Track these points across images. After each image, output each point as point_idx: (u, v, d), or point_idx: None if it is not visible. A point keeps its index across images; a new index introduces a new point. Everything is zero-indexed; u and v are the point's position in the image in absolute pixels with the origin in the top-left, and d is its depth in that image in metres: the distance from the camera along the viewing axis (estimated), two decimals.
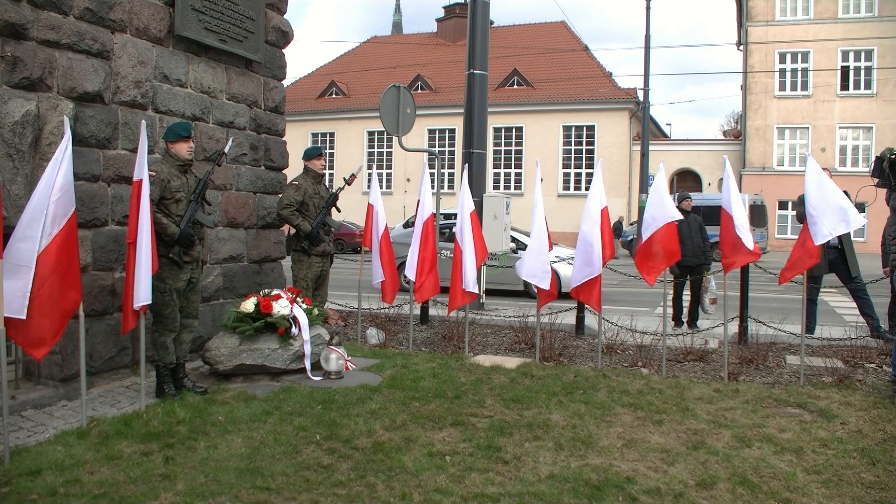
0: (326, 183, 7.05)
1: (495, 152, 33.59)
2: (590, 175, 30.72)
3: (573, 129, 33.08)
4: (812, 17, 30.08)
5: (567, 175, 33.24)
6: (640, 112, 27.60)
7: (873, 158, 6.34)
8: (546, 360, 6.56)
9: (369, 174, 8.55)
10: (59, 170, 3.92)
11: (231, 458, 3.83)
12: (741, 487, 3.59)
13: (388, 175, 35.78)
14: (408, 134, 9.17)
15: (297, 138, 30.94)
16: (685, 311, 8.77)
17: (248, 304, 5.54)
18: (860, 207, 6.87)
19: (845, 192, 7.45)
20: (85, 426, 4.27)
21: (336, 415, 4.65)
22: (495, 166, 33.81)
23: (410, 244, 7.10)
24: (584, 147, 32.88)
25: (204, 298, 6.08)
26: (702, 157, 32.06)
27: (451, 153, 33.25)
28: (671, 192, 6.95)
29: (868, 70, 29.47)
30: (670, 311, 8.58)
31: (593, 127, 32.69)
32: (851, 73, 29.73)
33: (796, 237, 6.03)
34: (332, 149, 36.82)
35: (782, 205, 29.44)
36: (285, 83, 7.50)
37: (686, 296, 8.78)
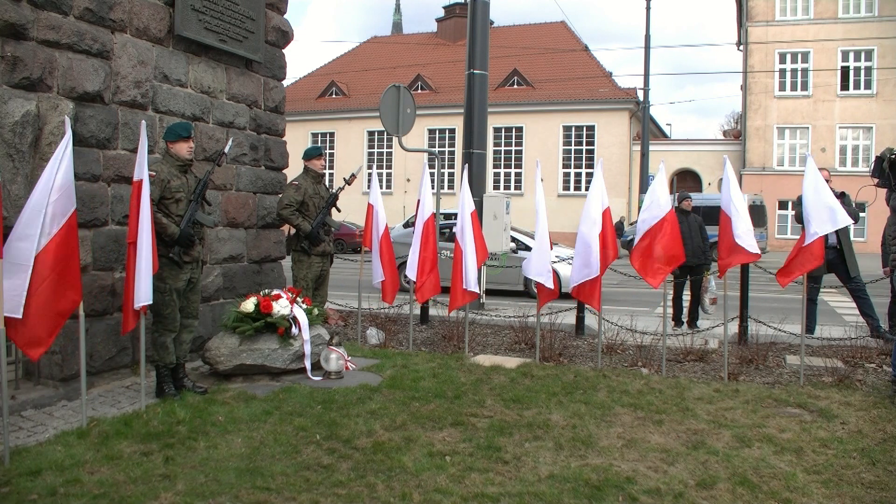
0: (326, 183, 7.05)
1: (495, 152, 33.58)
2: (590, 175, 30.68)
3: (573, 129, 33.07)
4: (812, 17, 30.07)
5: (567, 175, 33.23)
6: (640, 112, 27.64)
7: (873, 158, 6.34)
8: (546, 360, 6.56)
9: (369, 174, 8.55)
10: (58, 169, 3.92)
11: (231, 458, 3.83)
12: (741, 487, 3.59)
13: (388, 175, 35.77)
14: (408, 134, 9.17)
15: (297, 138, 30.93)
16: (685, 311, 8.77)
17: (248, 304, 5.54)
18: (860, 207, 6.87)
19: (843, 193, 7.49)
20: (85, 426, 4.27)
21: (336, 415, 4.65)
22: (495, 166, 33.81)
23: (411, 244, 7.10)
24: (584, 147, 32.87)
25: (204, 298, 6.08)
26: (702, 157, 32.05)
27: (451, 153, 33.25)
28: (671, 193, 6.94)
29: (868, 70, 29.45)
30: (670, 311, 8.58)
31: (593, 127, 32.69)
32: (851, 73, 29.72)
33: (796, 237, 6.03)
34: (332, 149, 36.82)
35: (782, 205, 29.43)
36: (285, 83, 7.50)
37: (686, 296, 8.78)
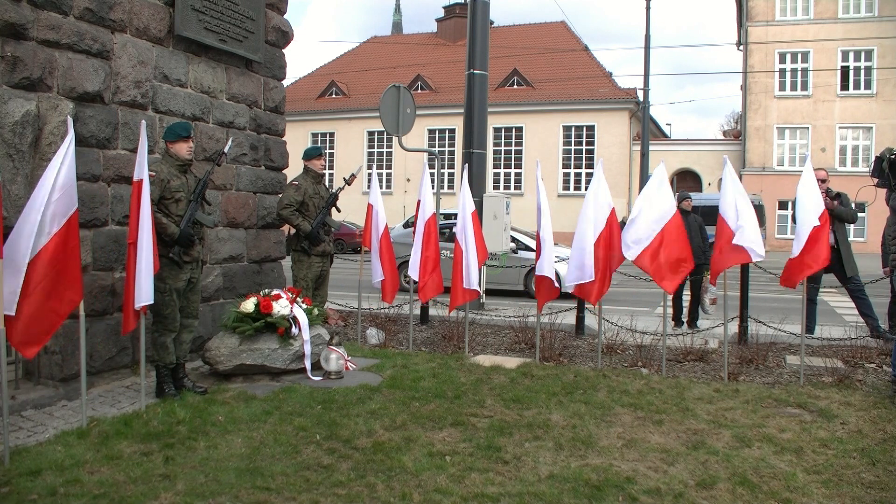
0: (326, 183, 7.05)
1: (495, 152, 33.58)
2: (590, 175, 30.61)
3: (573, 129, 33.07)
4: (812, 17, 30.08)
5: (567, 175, 33.23)
6: (640, 112, 27.64)
7: (873, 158, 6.34)
8: (546, 360, 6.56)
9: (369, 174, 8.55)
10: (60, 169, 3.92)
11: (231, 458, 3.83)
12: (741, 487, 3.59)
13: (388, 175, 35.77)
14: (408, 134, 9.17)
15: (297, 138, 30.94)
16: (685, 311, 8.77)
17: (248, 304, 5.54)
18: (860, 207, 6.89)
19: (839, 194, 7.49)
20: (85, 426, 4.27)
21: (336, 415, 4.65)
22: (495, 166, 33.80)
23: (410, 244, 7.10)
24: (584, 147, 32.87)
25: (204, 298, 6.08)
26: (702, 157, 32.05)
27: (451, 153, 33.25)
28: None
29: (868, 70, 29.46)
30: (670, 311, 8.58)
31: (593, 127, 32.69)
32: (851, 73, 29.72)
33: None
34: (332, 149, 36.82)
35: (782, 205, 29.45)
36: (285, 83, 7.50)
37: (686, 296, 8.78)
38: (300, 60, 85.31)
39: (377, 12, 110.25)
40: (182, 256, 5.00)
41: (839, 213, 7.41)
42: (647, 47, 24.23)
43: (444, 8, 41.60)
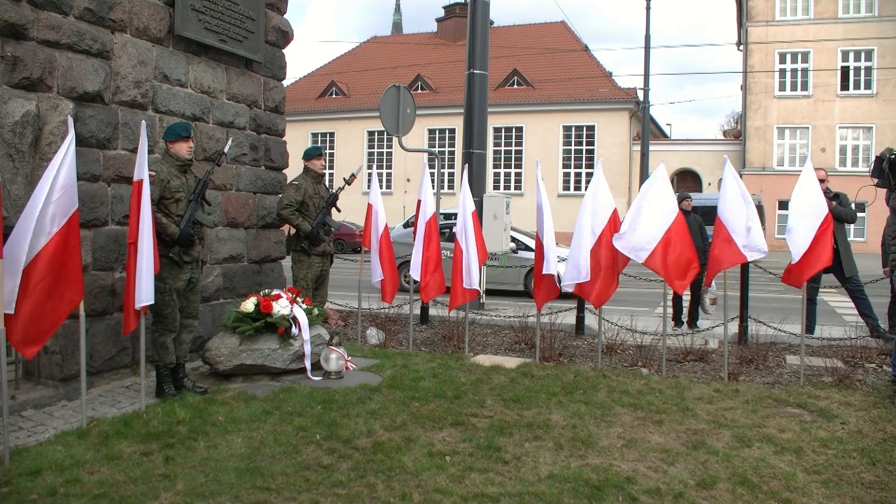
0: (326, 183, 7.05)
1: (495, 152, 33.57)
2: (590, 175, 30.61)
3: (573, 129, 33.07)
4: (812, 17, 30.08)
5: (567, 175, 33.22)
6: (640, 112, 27.62)
7: (873, 158, 6.34)
8: (546, 360, 6.56)
9: (369, 174, 8.55)
10: (60, 169, 3.92)
11: (231, 458, 3.83)
12: (741, 487, 3.59)
13: (388, 175, 35.77)
14: (408, 134, 9.17)
15: (297, 138, 30.93)
16: (685, 311, 8.77)
17: (248, 304, 5.54)
18: (860, 207, 6.88)
19: (837, 194, 7.49)
20: (85, 426, 4.27)
21: (336, 415, 4.65)
22: (495, 166, 33.80)
23: (410, 244, 7.11)
24: (584, 147, 32.87)
25: (204, 298, 6.08)
26: (702, 157, 32.04)
27: (451, 153, 33.25)
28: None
29: (868, 70, 29.46)
30: (670, 311, 8.58)
31: (593, 127, 32.69)
32: (851, 73, 29.72)
33: None
34: (332, 149, 36.81)
35: (782, 205, 29.38)
36: (285, 83, 7.50)
37: (686, 296, 8.78)
38: (300, 60, 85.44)
39: (377, 12, 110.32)
40: (182, 256, 5.00)
41: (838, 213, 7.41)
42: (647, 47, 24.22)
43: (444, 8, 41.61)
